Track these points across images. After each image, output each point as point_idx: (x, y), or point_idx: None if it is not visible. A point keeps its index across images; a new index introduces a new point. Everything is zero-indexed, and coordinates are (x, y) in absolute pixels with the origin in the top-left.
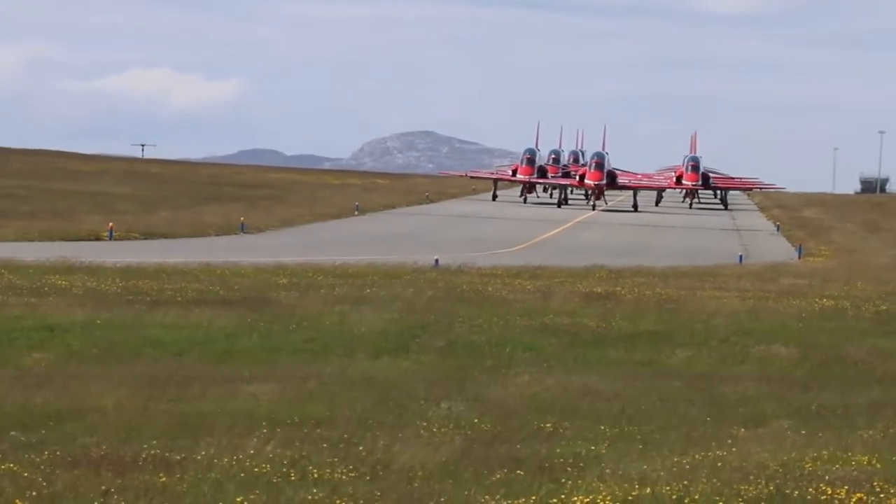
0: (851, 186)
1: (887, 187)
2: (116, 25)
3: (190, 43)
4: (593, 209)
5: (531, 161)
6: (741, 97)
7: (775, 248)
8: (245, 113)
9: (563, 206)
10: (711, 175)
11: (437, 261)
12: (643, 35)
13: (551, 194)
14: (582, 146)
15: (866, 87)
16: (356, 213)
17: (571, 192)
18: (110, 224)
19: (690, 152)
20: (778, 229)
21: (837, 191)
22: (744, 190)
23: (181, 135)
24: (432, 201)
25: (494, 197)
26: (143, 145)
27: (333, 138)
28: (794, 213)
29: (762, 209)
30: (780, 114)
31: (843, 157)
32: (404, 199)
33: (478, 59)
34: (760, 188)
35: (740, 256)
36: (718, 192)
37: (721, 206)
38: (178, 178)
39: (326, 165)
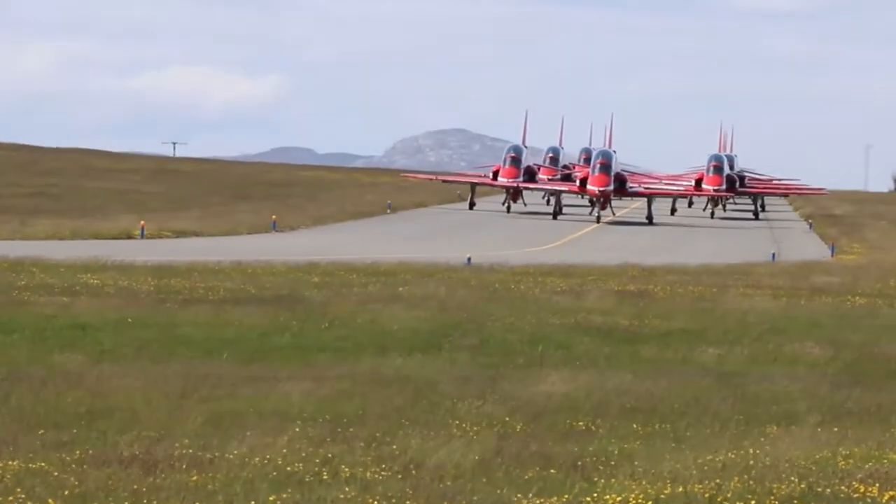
0: (885, 185)
1: None
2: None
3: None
4: (598, 221)
5: (516, 161)
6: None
7: (808, 247)
8: (277, 111)
9: (558, 217)
10: (747, 176)
11: (469, 259)
12: (678, 31)
13: (548, 201)
14: (605, 144)
15: None
16: (388, 211)
17: (581, 197)
18: (142, 223)
19: (720, 150)
20: (811, 227)
21: (870, 189)
22: (780, 194)
23: (213, 133)
24: (464, 199)
25: (472, 205)
26: (174, 143)
27: (366, 136)
28: (826, 212)
29: (806, 219)
30: (811, 110)
31: (877, 155)
32: (436, 196)
33: (510, 55)
34: (799, 192)
35: (773, 254)
36: (756, 197)
37: (752, 216)
38: (209, 177)
39: (359, 163)
